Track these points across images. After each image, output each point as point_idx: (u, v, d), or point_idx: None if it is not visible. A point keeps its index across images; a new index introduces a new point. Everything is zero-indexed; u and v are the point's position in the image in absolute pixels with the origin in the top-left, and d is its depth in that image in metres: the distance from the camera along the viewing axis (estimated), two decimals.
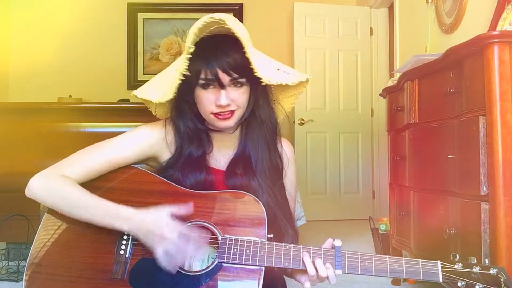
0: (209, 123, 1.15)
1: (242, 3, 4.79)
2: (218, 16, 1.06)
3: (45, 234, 1.10)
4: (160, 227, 1.00)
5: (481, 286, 0.97)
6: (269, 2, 4.77)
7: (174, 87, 1.09)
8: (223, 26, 1.07)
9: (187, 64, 1.06)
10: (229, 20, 1.06)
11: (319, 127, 4.43)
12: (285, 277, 1.20)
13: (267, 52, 1.16)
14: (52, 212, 1.10)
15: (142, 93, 1.16)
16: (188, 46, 1.06)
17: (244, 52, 1.07)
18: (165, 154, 1.18)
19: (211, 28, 1.10)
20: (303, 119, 4.37)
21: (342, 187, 4.48)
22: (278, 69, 1.13)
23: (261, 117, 1.18)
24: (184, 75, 1.07)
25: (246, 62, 1.07)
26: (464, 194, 1.49)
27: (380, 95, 2.53)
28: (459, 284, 0.98)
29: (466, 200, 1.47)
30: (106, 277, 1.03)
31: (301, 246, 1.03)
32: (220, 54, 1.07)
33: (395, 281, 2.23)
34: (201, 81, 1.08)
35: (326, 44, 4.46)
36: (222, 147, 1.21)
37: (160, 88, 1.13)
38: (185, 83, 1.09)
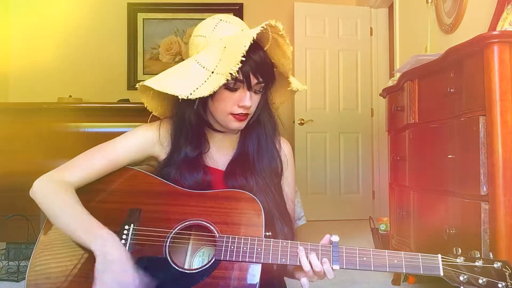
0: (217, 124, 1.16)
1: (242, 3, 4.79)
2: (273, 22, 1.02)
3: (47, 236, 1.10)
4: (123, 270, 0.96)
5: (484, 280, 0.92)
6: (269, 2, 4.77)
7: (216, 85, 1.02)
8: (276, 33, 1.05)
9: (239, 66, 1.00)
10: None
11: (319, 127, 4.43)
12: (287, 279, 1.19)
13: None
14: None
15: (161, 86, 1.07)
16: (244, 45, 0.99)
17: (267, 57, 1.10)
18: (163, 153, 1.18)
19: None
20: (303, 119, 4.37)
21: (342, 187, 4.48)
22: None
23: (262, 119, 1.19)
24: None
25: (272, 69, 1.12)
26: (464, 194, 1.49)
27: (380, 95, 2.53)
28: (461, 278, 0.93)
29: (466, 200, 1.47)
30: None
31: (298, 242, 1.03)
32: (254, 56, 1.05)
33: (395, 281, 2.23)
34: (231, 81, 1.05)
35: (326, 44, 4.46)
36: (222, 147, 1.21)
37: (185, 83, 1.05)
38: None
